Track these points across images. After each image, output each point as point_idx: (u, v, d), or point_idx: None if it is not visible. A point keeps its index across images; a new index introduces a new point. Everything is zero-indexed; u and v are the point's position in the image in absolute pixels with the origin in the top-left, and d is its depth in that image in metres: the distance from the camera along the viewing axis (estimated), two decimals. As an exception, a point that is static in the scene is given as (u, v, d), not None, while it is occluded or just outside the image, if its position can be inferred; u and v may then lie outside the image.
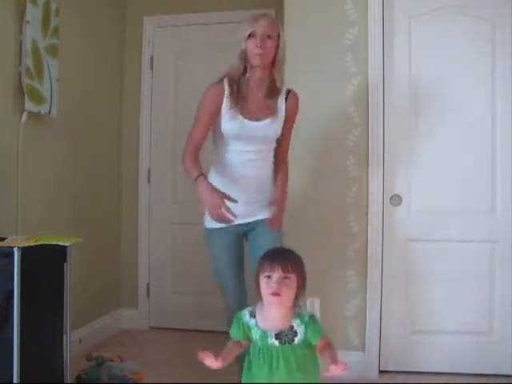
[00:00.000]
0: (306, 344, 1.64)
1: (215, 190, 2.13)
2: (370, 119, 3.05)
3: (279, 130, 2.36)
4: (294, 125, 2.45)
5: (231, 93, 2.25)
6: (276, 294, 1.59)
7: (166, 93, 4.08)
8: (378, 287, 3.06)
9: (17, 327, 2.11)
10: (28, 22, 2.78)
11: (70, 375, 2.55)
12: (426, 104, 3.07)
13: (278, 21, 2.32)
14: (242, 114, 2.24)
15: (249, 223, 2.33)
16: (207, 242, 2.42)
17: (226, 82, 2.29)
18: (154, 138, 4.10)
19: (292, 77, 3.13)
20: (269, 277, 1.62)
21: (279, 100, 2.33)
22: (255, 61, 2.19)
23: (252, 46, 2.17)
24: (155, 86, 4.09)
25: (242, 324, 1.71)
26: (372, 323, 3.04)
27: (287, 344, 1.63)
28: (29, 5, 2.78)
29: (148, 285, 4.08)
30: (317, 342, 1.65)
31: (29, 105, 2.81)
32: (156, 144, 4.09)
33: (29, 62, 2.79)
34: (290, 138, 2.47)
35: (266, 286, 1.62)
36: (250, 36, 2.17)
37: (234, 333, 1.74)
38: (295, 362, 1.64)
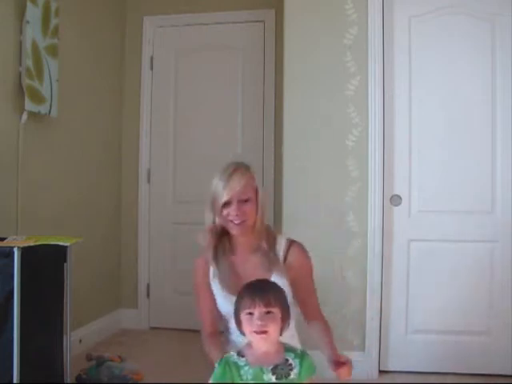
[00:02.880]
0: (301, 379, 1.51)
1: None
2: (370, 119, 3.05)
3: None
4: (313, 287, 1.92)
5: (217, 271, 1.85)
6: (262, 332, 1.46)
7: (165, 93, 4.08)
8: (378, 287, 3.06)
9: (17, 327, 2.11)
10: (28, 22, 2.78)
11: (70, 375, 2.54)
12: (426, 104, 3.07)
13: (252, 171, 1.84)
14: (234, 292, 1.66)
15: None
16: None
17: (210, 259, 1.87)
18: (154, 138, 4.10)
19: (292, 77, 3.15)
20: (250, 313, 1.49)
21: (275, 258, 1.83)
22: (233, 230, 1.80)
23: (226, 214, 1.78)
24: (155, 85, 4.09)
25: (229, 366, 1.51)
26: (372, 323, 3.04)
27: (284, 379, 1.48)
28: (29, 5, 2.78)
29: (148, 285, 4.08)
30: (307, 380, 1.52)
31: (29, 105, 2.81)
32: (156, 144, 4.09)
33: (29, 62, 2.79)
34: (314, 293, 1.93)
35: (249, 324, 1.49)
36: (224, 205, 1.77)
37: (221, 376, 1.52)
38: None
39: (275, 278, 1.74)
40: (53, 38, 3.01)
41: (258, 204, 1.80)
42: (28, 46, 2.78)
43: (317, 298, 1.93)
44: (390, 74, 3.08)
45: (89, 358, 2.88)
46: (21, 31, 2.78)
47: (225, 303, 1.80)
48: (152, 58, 4.10)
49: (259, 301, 1.48)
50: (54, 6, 3.01)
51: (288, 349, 1.54)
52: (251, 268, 1.80)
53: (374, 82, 3.05)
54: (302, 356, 1.53)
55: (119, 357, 2.92)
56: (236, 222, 1.77)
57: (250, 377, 1.49)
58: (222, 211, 1.77)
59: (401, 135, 3.09)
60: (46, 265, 2.39)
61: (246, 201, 1.77)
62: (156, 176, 4.09)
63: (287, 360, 1.51)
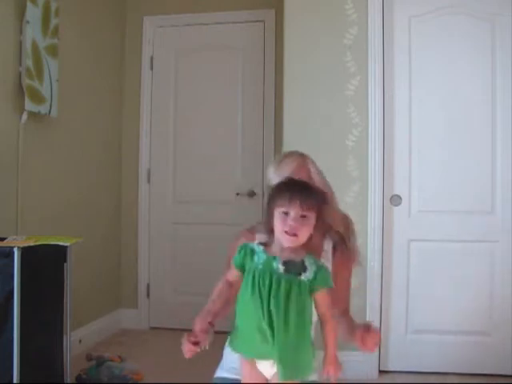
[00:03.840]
0: (310, 290, 1.40)
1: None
2: (370, 119, 3.05)
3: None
4: (348, 286, 1.95)
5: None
6: (293, 234, 1.40)
7: (165, 93, 4.08)
8: (378, 287, 3.05)
9: (17, 327, 2.11)
10: (28, 22, 2.78)
11: (70, 375, 2.54)
12: (426, 104, 3.08)
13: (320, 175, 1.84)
14: None
15: None
16: None
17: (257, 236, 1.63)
18: (154, 138, 4.10)
19: (292, 77, 3.15)
20: (286, 213, 1.41)
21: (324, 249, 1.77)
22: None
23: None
24: (155, 86, 4.09)
25: (246, 250, 1.47)
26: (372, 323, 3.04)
27: (293, 276, 1.39)
28: (29, 5, 2.78)
29: (148, 285, 4.08)
30: (318, 294, 1.41)
31: (29, 105, 2.81)
32: (156, 144, 4.09)
33: (29, 62, 2.79)
34: (347, 299, 1.97)
35: (281, 224, 1.41)
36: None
37: (235, 259, 1.48)
38: (295, 301, 1.38)
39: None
40: (53, 38, 3.01)
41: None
42: (28, 46, 2.78)
43: (348, 297, 1.97)
44: (389, 73, 3.08)
45: (89, 358, 2.88)
46: (21, 31, 2.78)
47: None
48: (152, 58, 4.10)
49: (298, 202, 1.41)
50: (53, 5, 3.01)
51: (310, 255, 1.45)
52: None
53: (374, 82, 3.05)
54: (320, 266, 1.43)
55: (119, 357, 2.92)
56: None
57: (261, 261, 1.44)
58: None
59: (401, 135, 3.09)
60: (46, 265, 2.39)
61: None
62: (156, 176, 4.09)
63: (303, 261, 1.43)
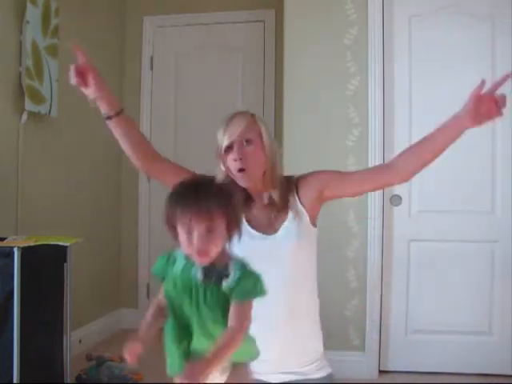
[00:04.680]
0: (230, 295, 1.22)
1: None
2: (370, 119, 3.05)
3: (303, 241, 1.61)
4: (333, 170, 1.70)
5: None
6: (202, 254, 1.21)
7: (166, 93, 4.08)
8: (378, 287, 3.05)
9: (17, 327, 2.11)
10: (28, 22, 2.78)
11: (70, 375, 2.54)
12: (426, 103, 3.07)
13: (257, 116, 1.65)
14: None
15: None
16: None
17: None
18: (154, 138, 4.09)
19: (292, 77, 3.15)
20: (189, 231, 1.21)
21: (290, 202, 1.61)
22: (240, 180, 1.57)
23: (230, 163, 1.58)
24: (155, 86, 4.09)
25: (167, 256, 1.37)
26: (372, 323, 3.04)
27: (213, 284, 1.22)
28: (29, 5, 2.78)
29: (148, 285, 4.08)
30: (232, 304, 1.21)
31: (29, 105, 2.81)
32: (156, 144, 4.06)
33: (29, 62, 2.79)
34: (348, 172, 1.77)
35: (188, 245, 1.23)
36: (226, 150, 1.59)
37: (155, 267, 1.40)
38: (211, 312, 1.23)
39: (289, 224, 1.57)
40: (53, 38, 3.01)
41: (264, 149, 1.57)
42: (28, 46, 2.78)
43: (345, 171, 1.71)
44: (390, 74, 3.08)
45: (89, 358, 2.88)
46: (21, 31, 2.78)
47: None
48: (152, 58, 4.10)
49: (197, 218, 1.19)
50: (53, 5, 3.01)
51: (238, 260, 1.25)
52: (264, 222, 1.58)
53: (374, 82, 3.05)
54: (246, 272, 1.22)
55: (119, 357, 2.92)
56: (239, 167, 1.54)
57: (179, 268, 1.30)
58: (226, 161, 1.59)
59: (401, 135, 3.08)
60: (46, 265, 2.39)
61: (249, 143, 1.56)
62: (156, 176, 4.08)
63: (226, 266, 1.23)
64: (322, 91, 3.10)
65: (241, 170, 1.55)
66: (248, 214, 1.61)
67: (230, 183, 1.58)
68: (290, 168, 2.77)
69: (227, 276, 1.22)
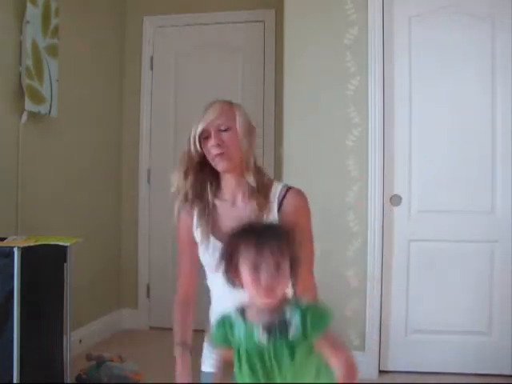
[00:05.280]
0: (308, 342, 1.17)
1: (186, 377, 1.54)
2: (370, 119, 3.05)
3: None
4: (312, 239, 1.69)
5: (200, 213, 1.62)
6: (269, 293, 1.16)
7: (166, 93, 4.08)
8: (378, 287, 3.05)
9: (17, 327, 2.11)
10: (28, 22, 2.78)
11: (70, 375, 2.55)
12: (426, 103, 3.08)
13: (234, 104, 1.72)
14: (213, 234, 1.58)
15: None
16: None
17: (190, 198, 1.65)
18: (154, 138, 4.10)
19: (292, 77, 3.15)
20: (255, 268, 1.16)
21: (268, 204, 1.58)
22: (217, 164, 1.59)
23: (208, 149, 1.60)
24: (155, 86, 4.09)
25: (224, 325, 1.25)
26: (372, 323, 3.04)
27: (279, 338, 1.16)
28: (29, 5, 2.78)
29: (148, 285, 4.08)
30: (317, 341, 1.17)
31: (29, 105, 2.81)
32: (156, 144, 4.09)
33: (29, 62, 2.79)
34: (308, 246, 1.66)
35: (251, 280, 1.17)
36: (204, 138, 1.61)
37: (215, 337, 1.28)
38: (292, 369, 1.17)
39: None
40: (53, 38, 3.01)
41: (242, 135, 1.60)
42: (28, 45, 2.78)
43: (311, 252, 1.66)
44: (390, 74, 3.08)
45: (89, 358, 2.88)
46: (21, 31, 2.78)
47: (201, 248, 1.60)
48: (152, 58, 4.10)
49: (267, 254, 1.15)
50: (53, 5, 3.01)
51: (290, 302, 1.22)
52: (239, 213, 1.56)
53: (374, 82, 3.05)
54: (306, 310, 1.18)
55: (119, 357, 2.92)
56: (215, 152, 1.57)
57: (241, 335, 1.21)
58: (202, 147, 1.60)
59: (401, 135, 3.09)
60: (46, 265, 2.39)
61: (226, 130, 1.59)
62: (156, 176, 4.09)
63: (284, 317, 1.18)
64: (322, 91, 3.10)
65: (218, 154, 1.58)
66: (220, 204, 1.62)
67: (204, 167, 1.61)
68: (290, 168, 2.79)
69: (287, 324, 1.18)
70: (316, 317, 1.18)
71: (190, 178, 1.63)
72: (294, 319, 1.17)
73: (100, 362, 2.83)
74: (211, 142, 1.58)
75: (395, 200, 3.08)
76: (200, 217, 1.61)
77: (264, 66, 3.93)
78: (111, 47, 3.92)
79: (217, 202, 1.62)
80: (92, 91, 3.61)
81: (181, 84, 4.07)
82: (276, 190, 1.61)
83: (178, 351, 1.57)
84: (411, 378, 2.99)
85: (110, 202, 3.93)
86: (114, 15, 3.95)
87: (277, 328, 1.17)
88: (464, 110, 3.06)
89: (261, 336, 1.18)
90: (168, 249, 4.06)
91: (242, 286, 1.21)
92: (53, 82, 3.01)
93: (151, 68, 4.10)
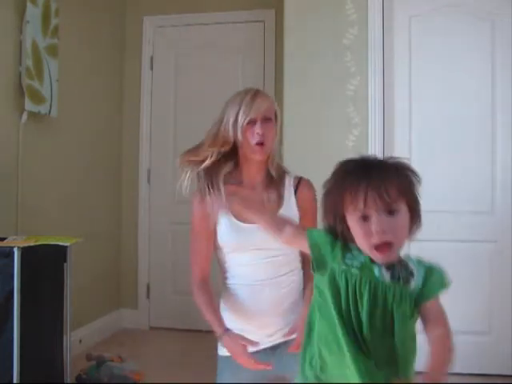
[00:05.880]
0: (428, 292, 1.10)
1: (237, 340, 1.60)
2: (370, 119, 3.05)
3: None
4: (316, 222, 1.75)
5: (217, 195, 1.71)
6: (386, 249, 1.04)
7: (166, 93, 4.08)
8: (378, 287, 3.05)
9: (17, 327, 2.11)
10: (28, 22, 2.78)
11: (70, 375, 2.55)
12: (426, 104, 3.07)
13: (272, 98, 1.78)
14: (235, 217, 1.67)
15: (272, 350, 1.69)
16: (218, 373, 1.78)
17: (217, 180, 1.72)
18: (154, 138, 4.10)
19: (292, 77, 3.15)
20: (364, 217, 1.03)
21: (285, 192, 1.74)
22: (256, 153, 1.68)
23: (250, 135, 1.66)
24: (155, 86, 4.10)
25: (335, 242, 1.11)
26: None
27: (401, 284, 1.07)
28: (29, 5, 2.78)
29: (148, 285, 4.08)
30: (429, 302, 1.09)
31: (29, 105, 2.81)
32: (156, 144, 4.09)
33: (29, 62, 2.79)
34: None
35: (364, 234, 1.04)
36: (248, 124, 1.66)
37: (318, 237, 1.14)
38: (403, 321, 1.06)
39: (285, 211, 1.66)
40: (53, 38, 3.01)
41: (276, 129, 1.74)
42: (28, 45, 2.78)
43: None
44: (389, 74, 3.08)
45: (89, 358, 2.88)
46: (21, 31, 2.78)
47: (228, 231, 1.68)
48: (152, 58, 4.10)
49: (380, 200, 1.01)
50: (54, 5, 3.01)
51: (411, 258, 1.17)
52: (260, 197, 1.69)
53: (374, 82, 3.05)
54: (429, 268, 1.14)
55: (119, 357, 2.92)
56: (258, 141, 1.65)
57: (355, 264, 1.08)
58: (244, 132, 1.66)
59: (401, 135, 3.08)
60: (46, 265, 2.39)
61: (268, 121, 1.69)
62: (156, 176, 4.09)
63: (406, 265, 1.12)
64: (322, 91, 3.10)
65: (259, 144, 1.66)
66: (241, 189, 1.71)
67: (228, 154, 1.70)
68: (290, 167, 2.77)
69: (413, 275, 1.11)
70: (438, 278, 1.13)
71: (214, 159, 1.70)
72: (419, 273, 1.11)
73: (100, 361, 2.83)
74: (257, 131, 1.66)
75: (395, 200, 3.07)
76: (218, 198, 1.68)
77: (264, 66, 3.93)
78: (111, 47, 3.92)
79: (235, 187, 1.71)
80: (92, 91, 3.61)
81: (181, 84, 4.07)
82: (290, 180, 1.76)
83: (225, 339, 1.62)
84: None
85: (110, 202, 3.93)
86: (113, 15, 3.95)
87: (401, 273, 1.10)
88: (464, 110, 3.06)
89: (384, 274, 1.08)
90: (168, 249, 4.07)
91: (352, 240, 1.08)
92: (53, 82, 3.01)
93: (151, 68, 4.10)
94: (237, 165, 1.73)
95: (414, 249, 3.11)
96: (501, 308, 3.01)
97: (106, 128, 3.88)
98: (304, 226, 1.59)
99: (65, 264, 2.48)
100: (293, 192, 1.74)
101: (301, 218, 1.71)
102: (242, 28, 3.98)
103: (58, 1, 3.05)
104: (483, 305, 3.03)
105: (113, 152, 3.99)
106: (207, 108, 4.04)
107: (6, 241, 2.29)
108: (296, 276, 1.72)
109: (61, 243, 2.38)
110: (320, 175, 3.31)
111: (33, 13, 2.82)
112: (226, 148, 1.69)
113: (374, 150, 3.05)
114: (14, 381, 2.12)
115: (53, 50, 3.01)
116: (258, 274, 1.66)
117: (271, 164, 1.74)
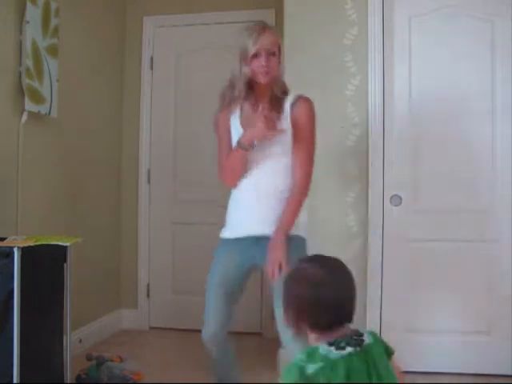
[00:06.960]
0: (380, 354, 1.46)
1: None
2: (370, 119, 3.05)
3: (286, 142, 2.10)
4: (313, 141, 2.16)
5: (239, 113, 2.22)
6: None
7: (165, 93, 4.08)
8: (378, 287, 3.05)
9: (17, 327, 2.11)
10: (28, 22, 2.78)
11: (70, 375, 2.55)
12: (426, 103, 3.08)
13: (277, 31, 2.20)
14: (243, 127, 2.15)
15: (257, 240, 2.11)
16: (215, 250, 2.27)
17: (239, 99, 2.20)
18: (154, 138, 4.10)
19: (292, 77, 3.14)
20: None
21: (284, 108, 2.12)
22: (261, 78, 2.09)
23: (256, 65, 2.07)
24: (155, 86, 4.10)
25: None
26: (372, 323, 3.04)
27: (358, 348, 1.37)
28: (29, 5, 2.78)
29: (148, 285, 4.08)
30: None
31: (29, 105, 2.81)
32: (156, 144, 4.09)
33: (29, 62, 2.79)
34: (307, 159, 2.14)
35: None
36: (253, 56, 2.06)
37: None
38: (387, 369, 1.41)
39: (282, 126, 2.06)
40: (53, 38, 3.01)
41: (280, 59, 2.12)
42: (28, 45, 2.78)
43: (309, 154, 2.15)
44: (389, 74, 3.08)
45: (89, 358, 2.88)
46: (21, 31, 2.78)
47: (236, 137, 2.15)
48: (152, 58, 4.10)
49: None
50: (53, 5, 3.01)
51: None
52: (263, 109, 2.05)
53: (374, 81, 3.05)
54: (372, 333, 1.44)
55: (119, 357, 2.92)
56: (263, 70, 2.05)
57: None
58: (251, 63, 2.06)
59: (401, 135, 3.09)
60: (46, 265, 2.39)
61: (272, 54, 2.07)
62: (156, 176, 4.09)
63: (356, 330, 1.41)
64: (322, 91, 3.10)
65: (264, 72, 2.07)
66: (253, 106, 2.13)
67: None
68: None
69: (362, 338, 1.45)
70: (382, 340, 1.49)
71: (235, 88, 2.16)
72: (365, 335, 1.46)
73: (100, 361, 2.83)
74: (261, 62, 2.05)
75: (395, 200, 3.08)
76: (239, 115, 2.19)
77: (264, 66, 3.92)
78: (111, 47, 3.92)
79: (247, 105, 2.17)
80: (92, 91, 3.61)
81: (181, 84, 4.07)
82: (291, 97, 2.12)
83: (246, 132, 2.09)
84: (410, 378, 2.98)
85: (110, 201, 3.93)
86: (113, 15, 3.95)
87: (354, 339, 1.40)
88: (464, 110, 3.06)
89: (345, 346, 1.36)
90: (168, 249, 4.07)
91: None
92: (53, 82, 3.01)
93: (151, 68, 4.10)
94: (252, 89, 2.13)
95: (414, 249, 3.14)
96: (500, 308, 3.01)
97: (106, 128, 3.88)
98: (298, 143, 2.09)
99: (65, 264, 2.48)
100: (289, 109, 2.10)
101: (295, 135, 2.09)
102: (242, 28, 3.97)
103: (58, 1, 3.05)
104: (483, 305, 3.03)
105: (113, 152, 3.99)
106: (207, 108, 4.05)
107: (5, 241, 2.28)
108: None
109: (61, 243, 2.38)
110: (320, 175, 3.31)
111: (33, 13, 2.81)
112: (244, 81, 2.11)
113: (374, 151, 3.05)
114: (14, 381, 2.12)
115: (53, 50, 3.01)
116: (263, 167, 2.12)
117: (276, 86, 2.11)
